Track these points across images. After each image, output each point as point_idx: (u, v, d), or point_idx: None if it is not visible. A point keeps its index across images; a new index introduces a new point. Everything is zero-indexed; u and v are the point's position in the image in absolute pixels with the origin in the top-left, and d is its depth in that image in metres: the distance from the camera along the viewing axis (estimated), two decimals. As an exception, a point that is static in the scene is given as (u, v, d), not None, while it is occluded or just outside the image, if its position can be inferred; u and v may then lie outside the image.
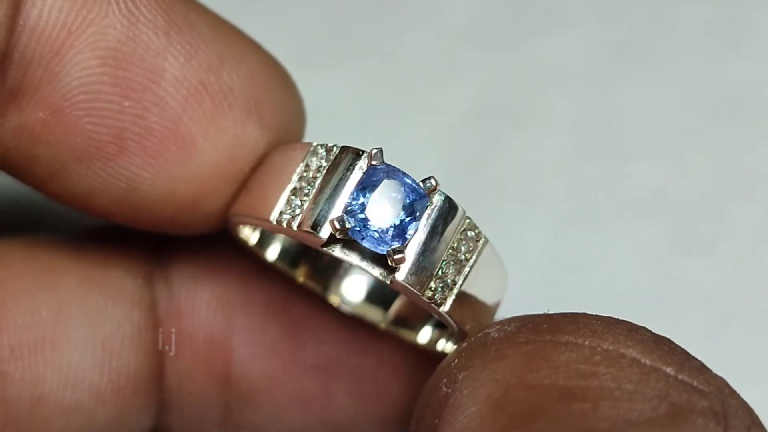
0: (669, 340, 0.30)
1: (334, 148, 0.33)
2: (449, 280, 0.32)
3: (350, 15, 0.50)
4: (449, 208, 0.32)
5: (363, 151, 0.33)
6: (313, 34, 0.50)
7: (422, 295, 0.32)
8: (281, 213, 0.33)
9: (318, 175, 0.33)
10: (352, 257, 0.32)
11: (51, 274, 0.38)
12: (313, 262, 0.39)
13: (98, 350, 0.38)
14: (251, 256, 0.39)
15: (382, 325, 0.39)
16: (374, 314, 0.39)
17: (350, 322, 0.39)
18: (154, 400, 0.39)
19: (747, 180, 0.48)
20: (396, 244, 0.32)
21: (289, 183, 0.33)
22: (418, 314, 0.39)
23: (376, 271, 0.32)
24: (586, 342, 0.29)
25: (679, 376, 0.28)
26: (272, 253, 0.39)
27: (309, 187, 0.33)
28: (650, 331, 0.30)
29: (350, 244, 0.32)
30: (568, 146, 0.49)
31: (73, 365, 0.38)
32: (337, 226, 0.31)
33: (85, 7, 0.33)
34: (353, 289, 0.39)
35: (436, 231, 0.32)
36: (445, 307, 0.32)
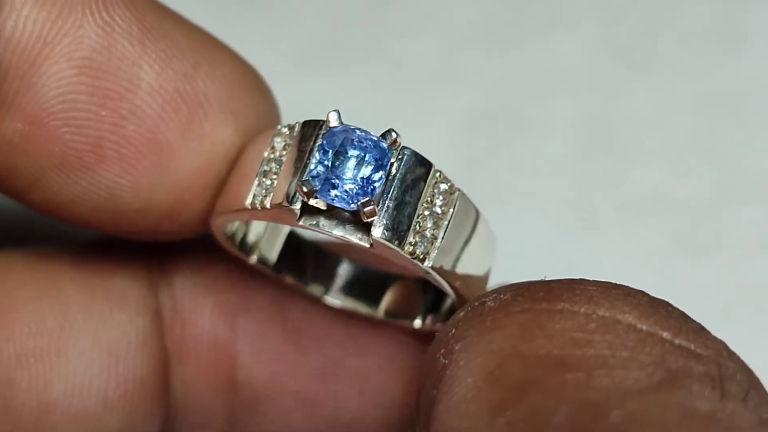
0: (667, 303, 0.29)
1: (296, 125, 0.33)
2: (428, 234, 0.32)
3: (350, 18, 0.50)
4: (417, 162, 0.32)
5: (323, 120, 0.32)
6: (314, 38, 0.50)
7: (402, 251, 0.32)
8: (254, 196, 0.33)
9: (284, 152, 0.33)
10: (328, 227, 0.32)
11: (56, 283, 0.38)
12: (298, 262, 0.39)
13: (104, 357, 0.38)
14: (239, 262, 0.38)
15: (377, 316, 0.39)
16: (364, 310, 0.39)
17: (352, 323, 0.39)
18: (160, 407, 0.39)
19: (748, 182, 0.48)
20: (365, 198, 0.31)
21: (258, 168, 0.33)
22: (407, 307, 0.38)
23: (355, 237, 0.32)
24: (582, 309, 0.29)
25: (676, 341, 0.28)
26: (256, 256, 0.38)
27: (277, 166, 0.33)
28: (647, 295, 0.29)
29: (325, 215, 0.32)
30: (569, 148, 0.49)
31: (79, 372, 0.37)
32: (305, 190, 0.31)
33: (60, 18, 0.34)
34: (340, 287, 0.39)
35: (405, 183, 0.32)
36: (429, 262, 0.32)
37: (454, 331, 0.30)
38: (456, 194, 0.33)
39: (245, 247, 0.38)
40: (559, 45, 0.50)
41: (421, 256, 0.32)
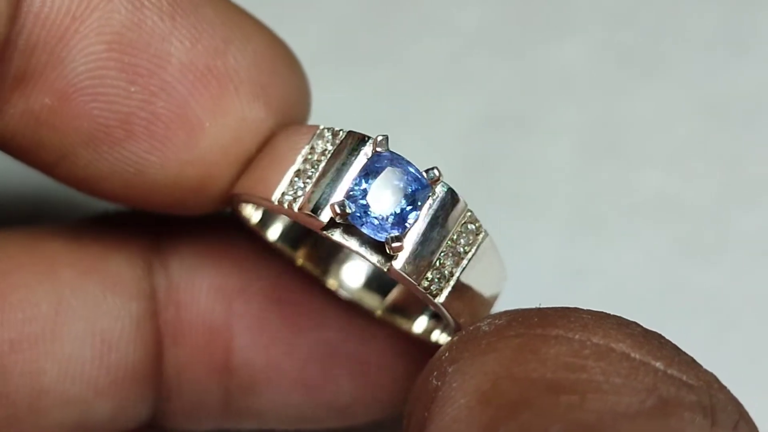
0: (659, 335, 0.30)
1: (341, 132, 0.33)
2: (446, 272, 0.32)
3: (358, 23, 0.50)
4: (451, 200, 0.32)
5: (369, 137, 0.32)
6: (322, 42, 0.50)
7: (418, 285, 0.32)
8: (283, 194, 0.33)
9: (323, 158, 0.33)
10: (351, 243, 0.32)
11: (50, 266, 0.38)
12: (313, 246, 0.39)
13: (97, 343, 0.38)
14: (253, 235, 0.38)
15: (378, 312, 0.39)
16: (371, 301, 0.39)
17: (349, 308, 0.39)
18: (152, 391, 0.39)
19: (753, 186, 0.48)
20: (395, 233, 0.31)
21: (293, 164, 0.33)
22: (414, 303, 0.39)
23: (374, 258, 0.32)
24: (576, 336, 0.29)
25: (669, 371, 0.28)
26: (273, 233, 0.38)
27: (312, 170, 0.33)
28: (641, 326, 0.30)
29: (350, 229, 0.32)
30: (574, 152, 0.49)
31: (72, 358, 0.38)
32: (338, 211, 0.31)
33: None
34: (352, 274, 0.39)
35: (436, 222, 0.32)
36: (441, 299, 0.32)
37: (447, 354, 0.30)
38: (481, 236, 0.33)
39: (263, 219, 0.38)
40: (564, 50, 0.50)
41: (435, 292, 0.32)
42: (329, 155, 0.33)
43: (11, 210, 0.46)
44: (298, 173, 0.33)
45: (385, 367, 0.39)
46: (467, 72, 0.50)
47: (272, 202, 0.33)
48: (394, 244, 0.31)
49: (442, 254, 0.32)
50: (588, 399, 0.27)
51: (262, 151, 0.35)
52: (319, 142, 0.33)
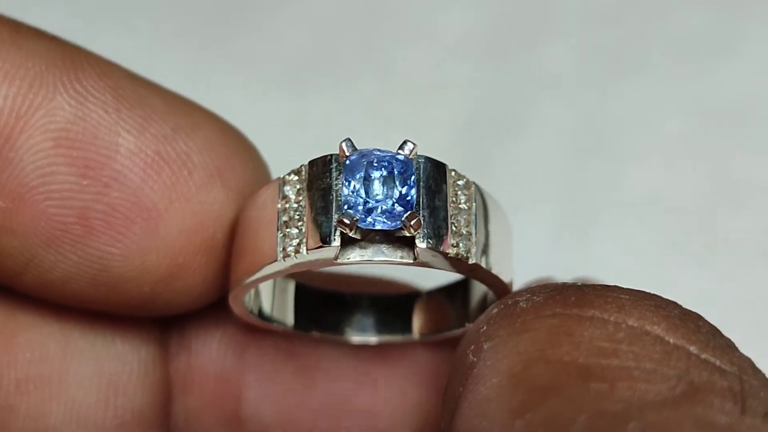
0: (698, 316, 0.29)
1: (302, 167, 0.33)
2: (464, 231, 0.32)
3: (344, 32, 0.51)
4: (433, 166, 0.32)
5: (331, 155, 0.32)
6: (308, 52, 0.51)
7: (448, 255, 0.32)
8: (284, 249, 0.32)
9: (300, 197, 0.33)
10: (368, 256, 0.32)
11: (60, 308, 0.38)
12: (319, 316, 0.39)
13: (104, 386, 0.38)
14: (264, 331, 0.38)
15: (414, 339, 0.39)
16: (399, 339, 0.39)
17: (365, 357, 0.39)
18: None
19: (740, 187, 0.49)
20: (407, 214, 0.31)
21: (275, 221, 0.33)
22: (438, 323, 0.38)
23: (397, 257, 0.32)
24: (612, 317, 0.29)
25: (702, 355, 0.28)
26: (286, 318, 0.38)
27: (298, 213, 0.33)
28: (679, 307, 0.30)
29: (360, 246, 0.32)
30: (562, 154, 0.49)
31: (78, 400, 0.37)
32: (347, 222, 0.31)
33: (31, 92, 0.33)
34: (366, 324, 0.39)
35: (431, 190, 0.32)
36: (472, 259, 0.32)
37: (485, 328, 0.30)
38: (473, 188, 0.33)
39: (264, 318, 0.37)
40: (550, 51, 0.51)
41: (465, 255, 0.32)
42: (304, 191, 0.33)
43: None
44: (286, 224, 0.33)
45: (398, 422, 0.38)
46: (454, 75, 0.50)
47: (278, 262, 0.32)
48: (413, 222, 0.31)
49: (453, 218, 0.32)
50: (617, 387, 0.27)
51: (237, 235, 0.35)
52: (287, 188, 0.33)
